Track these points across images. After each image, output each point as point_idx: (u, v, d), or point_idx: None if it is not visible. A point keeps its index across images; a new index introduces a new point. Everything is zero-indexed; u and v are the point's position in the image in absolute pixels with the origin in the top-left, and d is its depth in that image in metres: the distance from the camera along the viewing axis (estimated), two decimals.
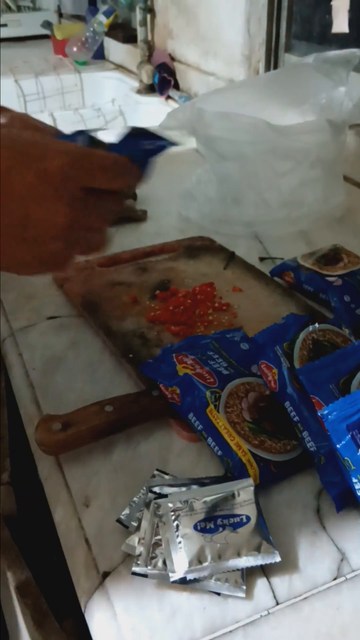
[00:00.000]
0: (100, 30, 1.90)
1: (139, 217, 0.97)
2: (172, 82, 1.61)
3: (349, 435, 0.46)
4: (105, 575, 0.44)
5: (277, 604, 0.42)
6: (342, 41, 1.26)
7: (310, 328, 0.56)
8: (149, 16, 1.71)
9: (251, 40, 1.37)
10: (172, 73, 1.63)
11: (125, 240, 0.92)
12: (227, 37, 1.43)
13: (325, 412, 0.47)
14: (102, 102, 1.76)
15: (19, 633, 0.56)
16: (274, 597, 0.43)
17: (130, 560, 0.45)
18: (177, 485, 0.49)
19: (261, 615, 0.42)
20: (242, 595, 0.43)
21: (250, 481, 0.47)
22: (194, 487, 0.48)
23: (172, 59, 1.66)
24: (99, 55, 2.08)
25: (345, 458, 0.46)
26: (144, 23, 1.69)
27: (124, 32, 1.95)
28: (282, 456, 0.51)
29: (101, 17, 1.87)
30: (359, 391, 0.49)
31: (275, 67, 1.38)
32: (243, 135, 0.91)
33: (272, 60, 1.39)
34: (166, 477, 0.51)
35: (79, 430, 0.52)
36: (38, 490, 0.55)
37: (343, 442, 0.46)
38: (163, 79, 1.61)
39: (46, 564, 0.63)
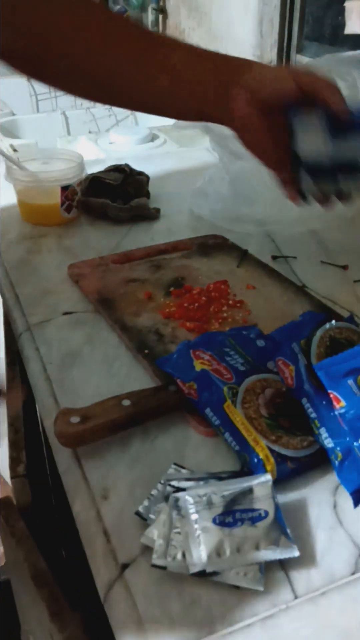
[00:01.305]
0: None
1: (151, 215, 0.98)
2: None
3: None
4: (125, 566, 0.45)
5: (296, 597, 0.43)
6: (354, 42, 1.27)
7: (328, 326, 0.56)
8: (160, 17, 1.71)
9: (263, 41, 1.37)
10: None
11: (138, 237, 0.92)
12: (239, 37, 1.44)
13: (343, 410, 0.48)
14: None
15: (34, 623, 0.57)
16: (293, 591, 0.43)
17: (149, 553, 0.45)
18: (195, 479, 0.49)
19: (280, 609, 0.42)
20: (261, 588, 0.43)
21: (267, 476, 0.48)
22: (212, 481, 0.49)
23: None
24: None
25: None
26: (155, 23, 1.70)
27: None
28: (299, 452, 0.51)
29: None
30: None
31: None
32: None
33: (284, 61, 1.40)
34: (183, 471, 0.52)
35: (97, 423, 0.53)
36: (52, 483, 0.56)
37: None
38: None
39: (55, 557, 0.64)
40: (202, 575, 0.43)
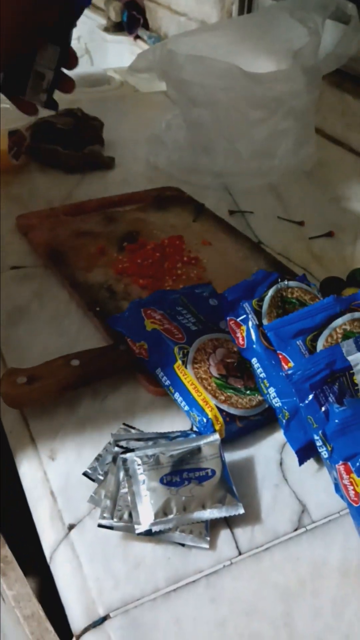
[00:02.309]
0: None
1: (105, 163, 0.94)
2: (142, 21, 1.54)
3: (312, 395, 0.47)
4: (71, 527, 0.45)
5: (240, 554, 0.44)
6: None
7: (279, 285, 0.55)
8: None
9: None
10: (142, 11, 1.55)
11: (91, 187, 0.89)
12: None
13: (290, 371, 0.48)
14: None
15: None
16: (237, 547, 0.44)
17: (96, 513, 0.45)
18: (144, 439, 0.49)
19: (224, 565, 0.43)
20: (206, 546, 0.44)
21: (216, 436, 0.48)
22: (161, 441, 0.49)
23: None
24: None
25: (308, 416, 0.47)
26: None
27: None
28: (247, 411, 0.51)
29: None
30: (323, 351, 0.49)
31: (249, 9, 1.32)
32: (216, 81, 0.87)
33: (245, 2, 1.34)
34: (132, 431, 0.51)
35: (45, 384, 0.52)
36: (1, 442, 0.55)
37: (306, 401, 0.47)
38: (132, 17, 1.53)
39: (10, 514, 0.64)
40: (148, 534, 0.43)
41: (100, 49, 1.62)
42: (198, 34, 1.02)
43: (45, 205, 0.82)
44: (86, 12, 1.88)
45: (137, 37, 1.54)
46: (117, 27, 1.61)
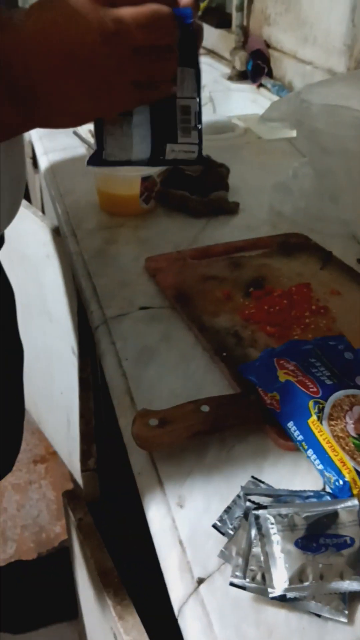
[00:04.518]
0: None
1: (230, 209, 0.95)
2: (266, 70, 1.57)
3: None
4: (200, 581, 0.43)
5: None
6: None
7: None
8: (246, 1, 1.66)
9: (355, 30, 1.31)
10: (267, 60, 1.58)
11: (215, 232, 0.90)
12: (328, 25, 1.38)
13: None
14: None
15: (96, 620, 0.57)
16: None
17: (225, 569, 0.44)
18: (275, 496, 0.47)
19: None
20: (345, 620, 0.41)
21: (354, 501, 0.45)
22: (295, 500, 0.47)
23: (267, 45, 1.61)
24: None
25: None
26: (240, 8, 1.65)
27: (217, 16, 1.91)
28: None
29: None
30: None
31: None
32: (348, 130, 0.86)
33: None
34: (262, 485, 0.50)
35: (176, 428, 0.52)
36: (123, 479, 0.55)
37: None
38: (257, 66, 1.57)
39: (119, 554, 0.63)
40: (282, 600, 0.41)
41: (223, 97, 1.67)
42: (330, 83, 1.02)
43: (171, 249, 0.84)
44: (211, 61, 1.96)
45: (261, 85, 1.58)
46: (241, 76, 1.66)
